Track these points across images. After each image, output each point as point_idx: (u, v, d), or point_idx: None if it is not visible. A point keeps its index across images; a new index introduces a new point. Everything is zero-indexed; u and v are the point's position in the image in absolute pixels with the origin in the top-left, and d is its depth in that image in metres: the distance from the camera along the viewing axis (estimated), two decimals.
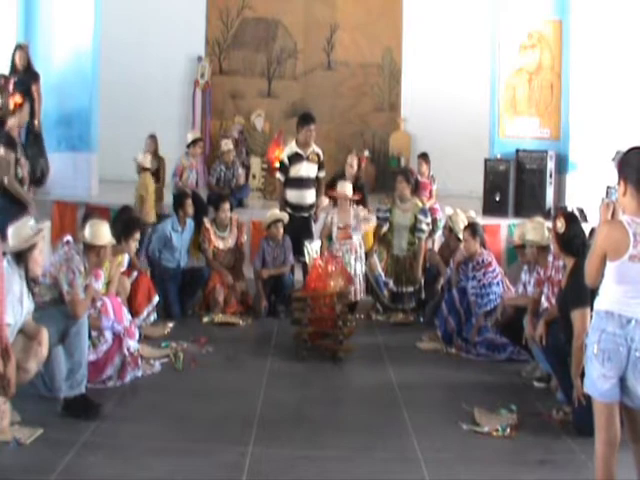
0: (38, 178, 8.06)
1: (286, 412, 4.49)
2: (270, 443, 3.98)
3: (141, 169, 8.16)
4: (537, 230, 5.30)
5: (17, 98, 7.83)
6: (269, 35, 12.54)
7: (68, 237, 5.17)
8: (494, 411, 4.50)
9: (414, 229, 7.20)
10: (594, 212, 4.02)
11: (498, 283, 6.03)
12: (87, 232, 4.70)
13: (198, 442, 3.95)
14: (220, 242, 7.16)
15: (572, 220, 4.63)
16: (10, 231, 4.15)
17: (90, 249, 4.66)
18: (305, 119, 7.49)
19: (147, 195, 8.00)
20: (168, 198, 8.59)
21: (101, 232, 4.71)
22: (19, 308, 4.00)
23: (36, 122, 8.55)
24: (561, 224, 4.47)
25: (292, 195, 7.41)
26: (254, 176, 10.67)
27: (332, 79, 12.53)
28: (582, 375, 3.25)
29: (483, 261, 6.07)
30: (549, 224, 5.26)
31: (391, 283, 7.15)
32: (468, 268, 6.14)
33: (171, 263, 6.98)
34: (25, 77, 8.60)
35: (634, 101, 9.48)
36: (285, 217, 7.14)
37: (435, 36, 11.63)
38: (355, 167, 8.65)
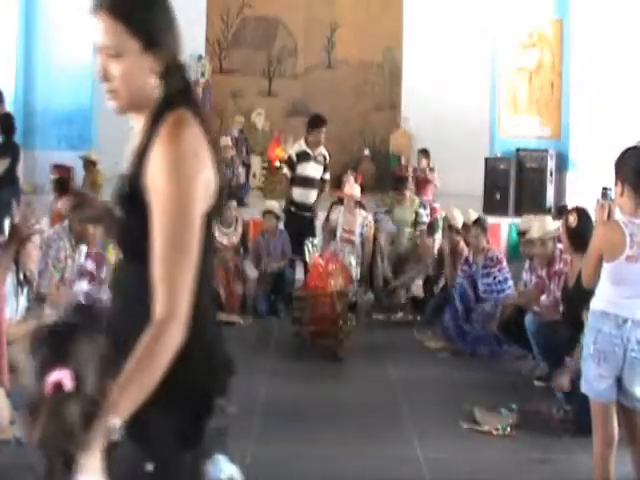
0: None
1: (286, 411, 4.49)
2: (270, 442, 3.98)
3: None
4: (541, 226, 5.32)
5: None
6: (269, 34, 12.51)
7: None
8: (494, 410, 4.50)
9: (415, 223, 7.50)
10: (592, 212, 4.02)
11: (509, 279, 6.03)
12: None
13: None
14: (224, 238, 7.18)
15: (584, 216, 4.59)
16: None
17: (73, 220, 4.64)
18: (317, 122, 7.43)
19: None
20: None
21: None
22: (14, 303, 3.99)
23: None
24: (573, 218, 4.46)
25: (297, 193, 7.43)
26: (254, 175, 10.66)
27: (332, 78, 12.49)
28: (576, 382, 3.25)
29: (497, 258, 6.04)
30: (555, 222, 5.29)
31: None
32: (478, 267, 6.05)
33: None
34: None
35: (635, 100, 9.49)
36: (276, 208, 7.22)
37: (435, 35, 11.60)
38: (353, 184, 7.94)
